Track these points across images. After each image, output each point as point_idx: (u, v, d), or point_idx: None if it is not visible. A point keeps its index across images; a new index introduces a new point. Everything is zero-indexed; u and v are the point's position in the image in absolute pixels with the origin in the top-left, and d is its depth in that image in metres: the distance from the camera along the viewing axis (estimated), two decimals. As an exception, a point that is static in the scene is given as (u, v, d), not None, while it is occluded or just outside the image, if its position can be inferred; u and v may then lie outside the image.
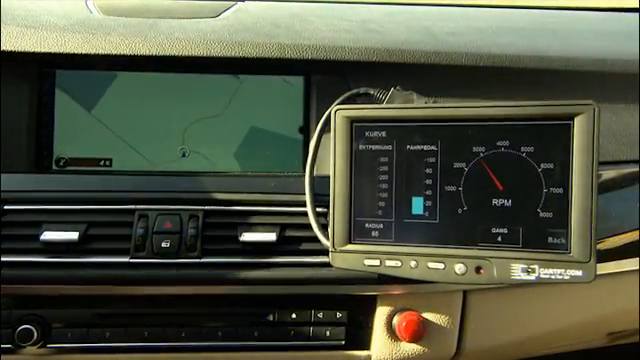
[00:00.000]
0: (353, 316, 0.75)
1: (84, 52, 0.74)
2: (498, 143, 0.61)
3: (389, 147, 0.65)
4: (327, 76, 0.80)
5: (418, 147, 0.64)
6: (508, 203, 0.61)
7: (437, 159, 0.63)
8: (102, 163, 0.80)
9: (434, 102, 0.71)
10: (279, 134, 0.81)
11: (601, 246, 0.74)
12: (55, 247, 0.69)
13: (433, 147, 0.64)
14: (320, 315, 0.74)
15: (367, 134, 0.66)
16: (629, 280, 0.77)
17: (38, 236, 0.68)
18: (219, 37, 0.76)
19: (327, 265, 0.68)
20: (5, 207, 0.70)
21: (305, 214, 0.70)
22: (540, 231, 0.60)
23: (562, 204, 0.59)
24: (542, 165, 0.60)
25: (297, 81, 0.81)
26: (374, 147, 0.66)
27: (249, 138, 0.81)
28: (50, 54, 0.74)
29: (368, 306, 0.75)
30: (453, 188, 0.63)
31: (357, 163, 0.66)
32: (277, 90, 0.81)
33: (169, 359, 0.74)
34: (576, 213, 0.58)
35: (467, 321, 0.76)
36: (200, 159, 0.81)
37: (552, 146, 0.59)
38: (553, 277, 0.59)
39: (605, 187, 0.76)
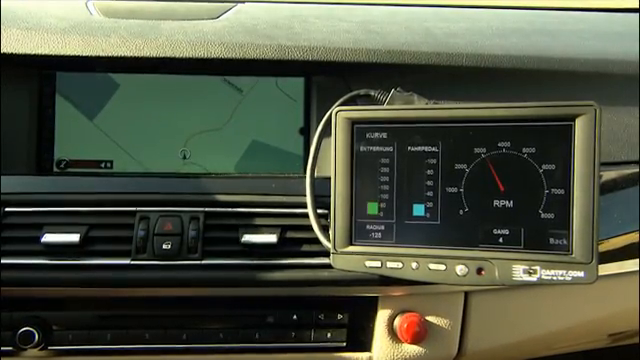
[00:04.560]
0: (354, 318, 0.75)
1: (84, 54, 0.74)
2: (499, 144, 0.61)
3: (390, 148, 0.65)
4: (327, 77, 0.80)
5: (419, 148, 0.64)
6: (509, 204, 0.61)
7: (438, 160, 0.63)
8: (103, 165, 0.80)
9: (435, 103, 0.71)
10: (280, 139, 0.81)
11: (602, 247, 0.74)
12: (56, 249, 0.69)
13: (434, 148, 0.64)
14: (321, 317, 0.74)
15: (368, 135, 0.66)
16: (630, 281, 0.77)
17: (39, 238, 0.68)
18: (219, 38, 0.76)
19: (328, 267, 0.68)
20: (6, 209, 0.70)
21: (306, 215, 0.69)
22: (541, 232, 0.60)
23: (563, 205, 0.59)
24: (543, 166, 0.60)
25: (299, 95, 0.81)
26: (375, 148, 0.66)
27: (250, 150, 0.81)
28: (50, 56, 0.74)
29: (369, 307, 0.75)
30: (454, 189, 0.63)
31: (358, 164, 0.66)
32: (279, 103, 0.81)
33: (170, 361, 0.74)
34: (577, 214, 0.58)
35: (468, 322, 0.76)
36: (201, 162, 0.80)
37: (553, 147, 0.59)
38: (555, 278, 0.59)
39: (606, 188, 0.76)
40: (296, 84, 0.81)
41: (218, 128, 0.80)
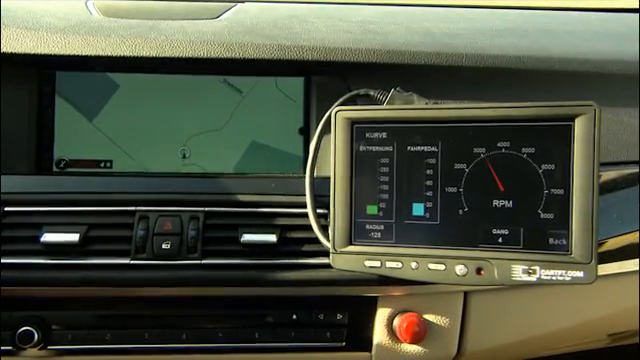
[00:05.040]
0: (354, 317, 0.75)
1: (84, 54, 0.74)
2: (499, 144, 0.61)
3: (389, 148, 0.65)
4: (327, 77, 0.80)
5: (419, 148, 0.64)
6: (509, 204, 0.61)
7: (438, 160, 0.63)
8: (103, 165, 0.79)
9: (434, 103, 0.71)
10: (280, 140, 0.81)
11: (602, 247, 0.74)
12: (56, 249, 0.69)
13: (434, 148, 0.64)
14: (321, 316, 0.74)
15: (367, 135, 0.66)
16: (629, 281, 0.77)
17: (39, 238, 0.68)
18: (219, 38, 0.76)
19: (328, 266, 0.68)
20: (5, 209, 0.70)
21: (306, 215, 0.69)
22: (541, 232, 0.60)
23: (563, 205, 0.59)
24: (543, 166, 0.60)
25: (298, 96, 0.81)
26: (374, 148, 0.66)
27: (250, 150, 0.81)
28: (50, 56, 0.74)
29: (369, 307, 0.75)
30: (454, 189, 0.63)
31: (357, 164, 0.66)
32: (278, 103, 0.81)
33: (169, 361, 0.74)
34: (577, 214, 0.58)
35: (468, 322, 0.76)
36: (200, 161, 0.80)
37: (553, 147, 0.59)
38: (554, 278, 0.59)
39: (606, 188, 0.76)
40: (296, 85, 0.81)
41: (218, 129, 0.80)
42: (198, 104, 0.80)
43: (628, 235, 0.75)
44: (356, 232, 0.66)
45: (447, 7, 1.00)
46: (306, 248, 0.71)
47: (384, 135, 0.65)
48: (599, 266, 0.58)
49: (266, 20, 0.84)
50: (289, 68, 0.79)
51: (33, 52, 0.74)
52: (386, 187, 0.65)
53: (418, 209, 0.64)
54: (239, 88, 0.81)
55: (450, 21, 0.89)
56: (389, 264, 0.64)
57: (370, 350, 0.76)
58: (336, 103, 0.72)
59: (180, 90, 0.80)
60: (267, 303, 0.74)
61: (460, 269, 0.62)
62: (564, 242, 0.59)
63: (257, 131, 0.81)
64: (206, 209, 0.71)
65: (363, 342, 0.76)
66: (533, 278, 0.60)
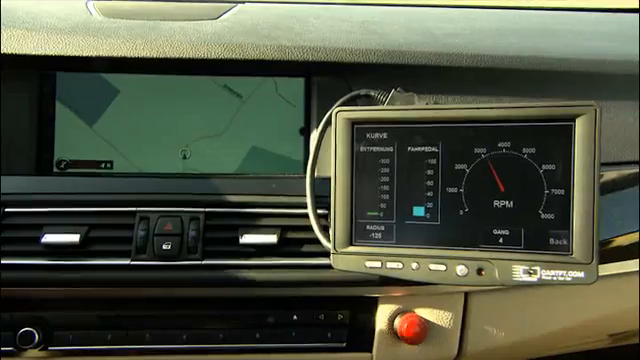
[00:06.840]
0: (354, 318, 0.75)
1: (84, 55, 0.74)
2: (500, 144, 0.61)
3: (390, 149, 0.65)
4: (328, 77, 0.80)
5: (419, 149, 0.64)
6: (510, 204, 0.61)
7: (438, 160, 0.63)
8: (103, 165, 0.79)
9: (435, 103, 0.71)
10: (280, 144, 0.81)
11: (602, 247, 0.74)
12: (56, 250, 0.69)
13: (434, 149, 0.64)
14: (321, 317, 0.74)
15: (368, 136, 0.66)
16: (630, 281, 0.77)
17: (39, 239, 0.68)
18: (220, 39, 0.76)
19: (328, 267, 0.67)
20: (6, 210, 0.70)
21: (306, 216, 0.70)
22: (542, 232, 0.60)
23: (564, 205, 0.59)
24: (543, 166, 0.60)
25: (299, 100, 0.81)
26: (375, 149, 0.66)
27: (250, 155, 0.81)
28: (50, 57, 0.74)
29: (369, 308, 0.75)
30: (454, 190, 0.63)
31: (358, 165, 0.66)
32: (278, 108, 0.81)
33: (170, 361, 0.74)
34: (578, 214, 0.58)
35: (468, 323, 0.76)
36: (201, 166, 0.80)
37: (553, 147, 0.59)
38: (555, 279, 0.59)
39: (606, 188, 0.76)
40: (296, 88, 0.81)
41: (218, 134, 0.80)
42: (198, 109, 0.80)
43: (629, 235, 0.75)
44: (357, 232, 0.66)
45: (447, 7, 1.00)
46: (306, 249, 0.71)
47: (384, 135, 0.65)
48: (599, 266, 0.58)
49: (266, 21, 0.84)
50: (290, 69, 0.79)
51: (33, 53, 0.74)
52: (387, 188, 0.65)
53: (419, 210, 0.64)
54: (239, 93, 0.81)
55: (450, 21, 0.89)
56: (390, 265, 0.64)
57: (371, 350, 0.76)
58: (337, 103, 0.72)
59: (180, 94, 0.80)
60: (268, 304, 0.74)
61: (461, 269, 0.62)
62: (565, 242, 0.59)
63: (257, 136, 0.81)
64: (206, 210, 0.71)
65: (364, 342, 0.76)
66: (534, 278, 0.60)
